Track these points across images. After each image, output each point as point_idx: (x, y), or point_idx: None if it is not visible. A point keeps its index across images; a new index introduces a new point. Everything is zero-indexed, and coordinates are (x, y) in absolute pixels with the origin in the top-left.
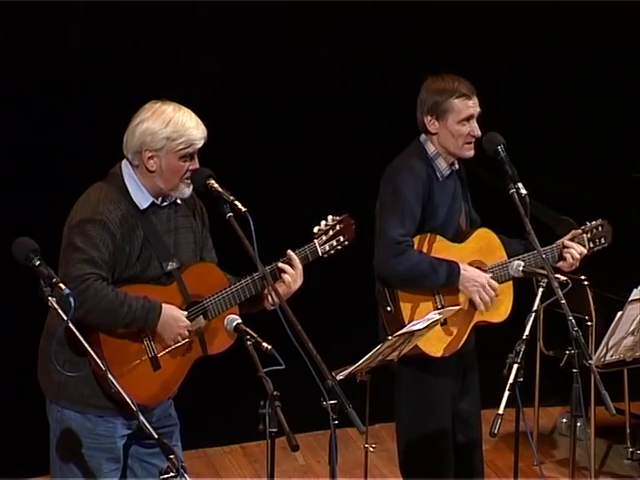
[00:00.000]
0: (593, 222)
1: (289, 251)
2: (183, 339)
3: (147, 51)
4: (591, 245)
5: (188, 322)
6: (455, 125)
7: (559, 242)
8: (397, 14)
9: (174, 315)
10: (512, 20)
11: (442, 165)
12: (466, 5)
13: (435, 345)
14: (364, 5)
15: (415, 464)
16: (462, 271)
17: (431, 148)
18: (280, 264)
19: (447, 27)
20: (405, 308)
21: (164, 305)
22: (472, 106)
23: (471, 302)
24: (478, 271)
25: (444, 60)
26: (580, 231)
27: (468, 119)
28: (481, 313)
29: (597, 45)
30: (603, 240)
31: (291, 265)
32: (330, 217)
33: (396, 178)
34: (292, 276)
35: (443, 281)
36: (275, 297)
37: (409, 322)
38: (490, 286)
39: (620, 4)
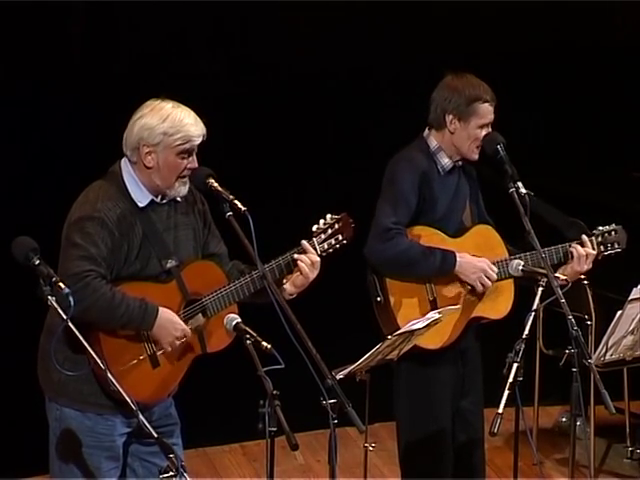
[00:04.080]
0: (606, 227)
1: (303, 241)
2: (180, 341)
3: (147, 51)
4: (602, 249)
5: (185, 326)
6: (475, 129)
7: (567, 244)
8: (397, 14)
9: (171, 318)
10: (512, 20)
11: (444, 160)
12: (466, 5)
13: (427, 338)
14: (364, 5)
15: (413, 460)
16: (459, 258)
17: (433, 142)
18: (296, 255)
19: (447, 27)
20: (394, 298)
21: (161, 308)
22: (492, 112)
23: (470, 292)
24: (476, 257)
25: (444, 60)
26: (590, 237)
27: (488, 125)
28: (477, 307)
29: (597, 45)
30: (616, 245)
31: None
32: (329, 216)
33: (395, 168)
34: (308, 266)
35: (436, 268)
36: (275, 296)
37: (398, 313)
38: (491, 269)
39: (620, 4)
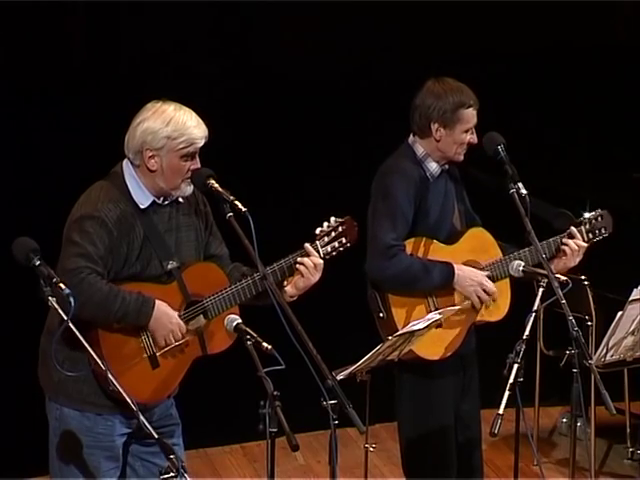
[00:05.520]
0: (592, 213)
1: (306, 244)
2: (175, 339)
3: (147, 51)
4: (590, 236)
5: (180, 321)
6: (461, 134)
7: (558, 237)
8: (397, 14)
9: (167, 312)
10: (512, 20)
11: (432, 166)
12: (466, 5)
13: (430, 348)
14: (364, 5)
15: (418, 465)
16: (457, 271)
17: (420, 149)
18: (299, 257)
19: (447, 27)
20: (397, 313)
21: (157, 301)
22: (475, 115)
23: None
24: (474, 270)
25: (444, 60)
26: (578, 227)
27: (472, 128)
28: (478, 313)
29: (597, 44)
30: (604, 230)
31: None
32: (333, 219)
33: (387, 181)
34: (310, 268)
35: (437, 282)
36: (275, 297)
37: (402, 327)
38: (488, 282)
39: (620, 4)
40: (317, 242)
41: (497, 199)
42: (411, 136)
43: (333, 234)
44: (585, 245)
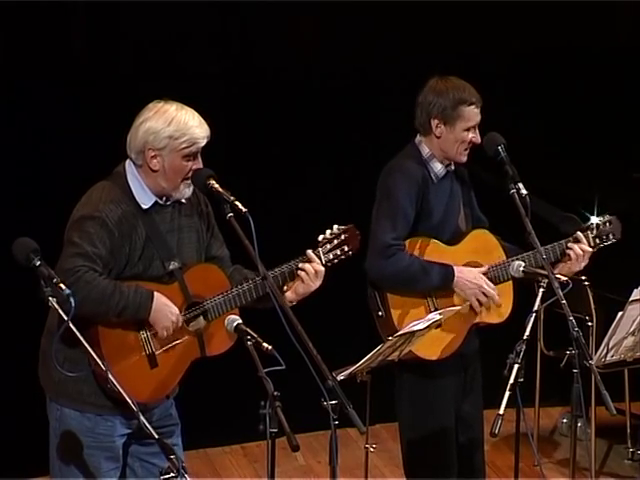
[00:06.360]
0: (600, 218)
1: (308, 251)
2: (175, 330)
3: (147, 51)
4: (597, 241)
5: (178, 311)
6: (462, 132)
7: (563, 241)
8: (396, 14)
9: (167, 303)
10: (512, 20)
11: (437, 166)
12: (466, 5)
13: (429, 348)
14: (364, 5)
15: (418, 465)
16: (457, 273)
17: (425, 150)
18: (300, 264)
19: (447, 27)
20: (396, 312)
21: (155, 292)
22: (478, 114)
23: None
24: (474, 272)
25: (444, 60)
26: (585, 232)
27: (474, 127)
28: (480, 314)
29: (597, 45)
30: (612, 236)
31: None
32: (335, 226)
33: (390, 181)
34: (311, 275)
35: (436, 283)
36: (276, 298)
37: (401, 326)
38: (488, 286)
39: (620, 4)
40: (319, 249)
41: (500, 198)
42: (417, 136)
43: (335, 242)
44: (590, 250)
